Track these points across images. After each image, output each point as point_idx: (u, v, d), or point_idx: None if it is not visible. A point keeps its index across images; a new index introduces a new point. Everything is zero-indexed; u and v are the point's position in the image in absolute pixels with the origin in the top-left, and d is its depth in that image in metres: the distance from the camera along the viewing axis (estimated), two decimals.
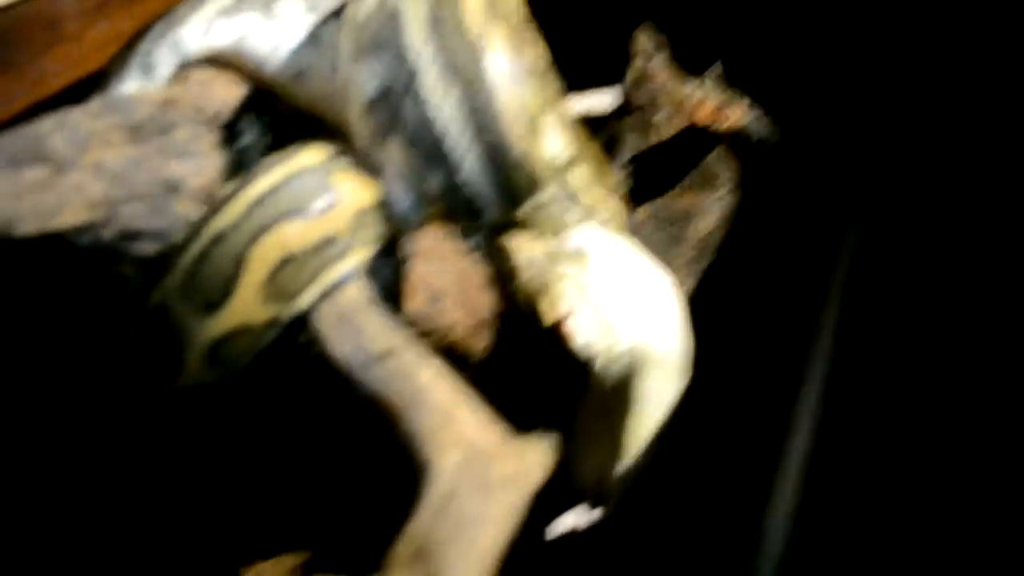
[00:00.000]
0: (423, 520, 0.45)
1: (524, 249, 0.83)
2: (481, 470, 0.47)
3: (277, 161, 0.56)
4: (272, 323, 0.55)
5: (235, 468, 0.62)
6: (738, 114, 0.98)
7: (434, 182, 0.58)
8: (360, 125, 0.58)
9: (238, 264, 0.53)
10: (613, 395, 0.81)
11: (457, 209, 0.61)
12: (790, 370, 1.11)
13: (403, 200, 0.59)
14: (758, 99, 1.17)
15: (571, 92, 1.13)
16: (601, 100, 1.12)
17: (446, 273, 0.80)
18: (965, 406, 0.89)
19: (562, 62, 1.07)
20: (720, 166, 1.11)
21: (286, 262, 0.54)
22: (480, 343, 0.83)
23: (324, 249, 0.55)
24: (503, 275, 0.87)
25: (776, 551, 0.94)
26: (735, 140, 1.14)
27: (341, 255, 0.56)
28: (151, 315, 0.54)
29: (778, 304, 1.15)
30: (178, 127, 0.57)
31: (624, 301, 0.83)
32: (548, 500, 0.90)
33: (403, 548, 0.44)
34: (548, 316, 0.82)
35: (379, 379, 0.51)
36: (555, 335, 0.82)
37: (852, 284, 1.18)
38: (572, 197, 0.84)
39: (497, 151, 0.59)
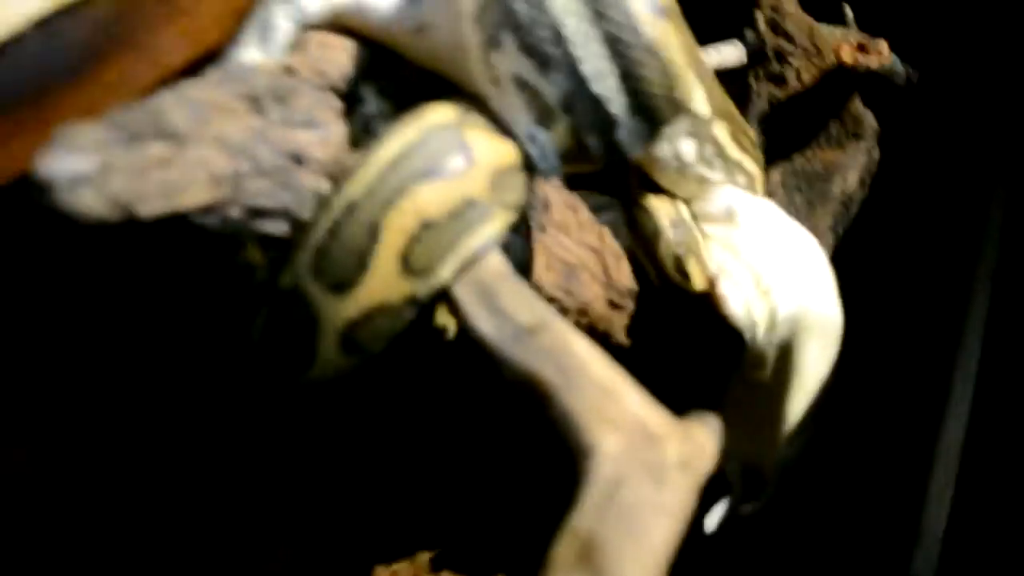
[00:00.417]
0: (587, 513, 0.40)
1: (667, 210, 0.77)
2: (651, 454, 0.41)
3: (407, 122, 0.51)
4: (411, 300, 0.51)
5: (373, 460, 0.59)
6: (884, 51, 0.89)
7: (553, 90, 0.51)
8: (476, 60, 0.52)
9: (373, 234, 0.48)
10: (771, 367, 0.75)
11: (584, 127, 0.53)
12: (942, 348, 1.02)
13: (522, 122, 0.52)
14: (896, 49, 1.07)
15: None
16: (731, 52, 1.04)
17: (581, 246, 0.75)
18: None
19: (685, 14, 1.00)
20: (864, 114, 1.02)
21: (425, 229, 0.49)
22: (622, 320, 0.78)
23: (463, 213, 0.50)
24: (644, 242, 0.81)
25: (934, 541, 0.87)
26: (879, 85, 1.05)
27: (481, 220, 0.51)
28: (281, 300, 0.51)
29: (927, 272, 1.07)
30: (299, 95, 0.54)
31: (779, 264, 0.76)
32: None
33: (566, 546, 0.39)
34: (698, 280, 0.76)
35: (530, 356, 0.46)
36: (705, 303, 0.76)
37: (1005, 246, 1.08)
38: (716, 154, 0.78)
39: (624, 40, 0.51)
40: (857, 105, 1.01)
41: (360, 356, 0.52)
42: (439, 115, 0.52)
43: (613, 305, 0.74)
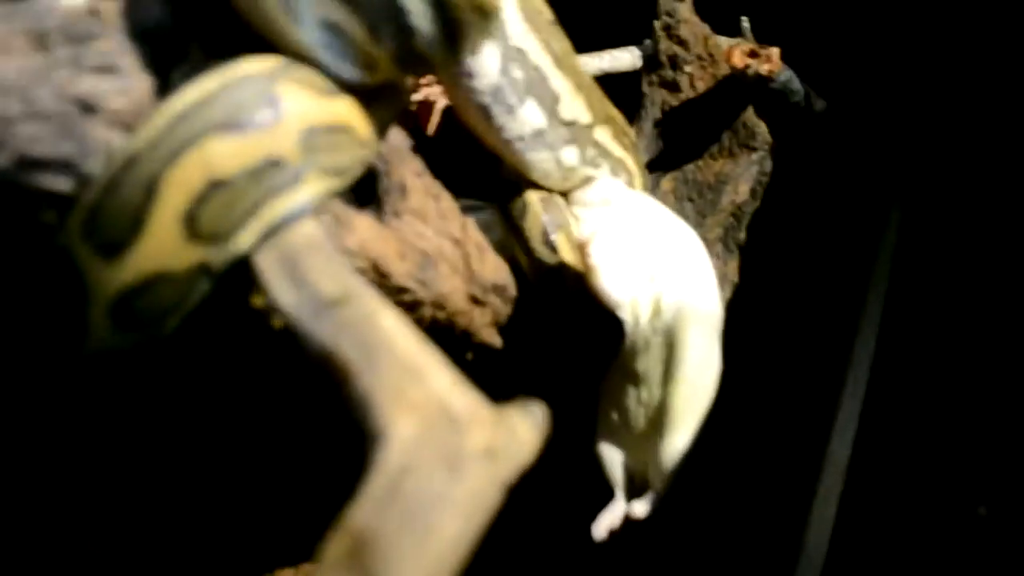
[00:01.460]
0: (365, 505, 0.34)
1: (539, 194, 0.76)
2: (449, 441, 0.36)
3: (212, 72, 0.45)
4: (200, 270, 0.44)
5: (162, 447, 0.52)
6: (774, 58, 0.87)
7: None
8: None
9: (150, 190, 0.42)
10: (654, 357, 0.71)
11: (383, 31, 0.48)
12: (834, 358, 1.01)
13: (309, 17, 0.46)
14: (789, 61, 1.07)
15: (591, 51, 1.04)
16: (622, 57, 1.02)
17: (441, 235, 0.69)
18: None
19: (581, 20, 0.98)
20: (757, 125, 1.00)
21: (214, 188, 0.43)
22: (485, 317, 0.73)
23: (266, 175, 0.44)
24: (514, 227, 0.78)
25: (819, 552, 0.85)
26: (772, 97, 1.03)
27: (290, 184, 0.45)
28: (53, 263, 0.44)
29: (819, 287, 1.06)
30: (99, 38, 0.47)
31: (660, 252, 0.74)
32: (572, 496, 0.83)
33: (337, 542, 0.33)
34: (566, 252, 0.74)
35: (330, 330, 0.40)
36: (580, 289, 0.73)
37: (898, 264, 1.08)
38: (600, 155, 0.78)
39: None
40: (751, 116, 0.99)
41: (140, 332, 0.45)
42: (252, 66, 0.46)
43: (475, 300, 0.69)
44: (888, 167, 1.16)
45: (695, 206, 1.02)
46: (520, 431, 0.39)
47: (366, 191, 0.66)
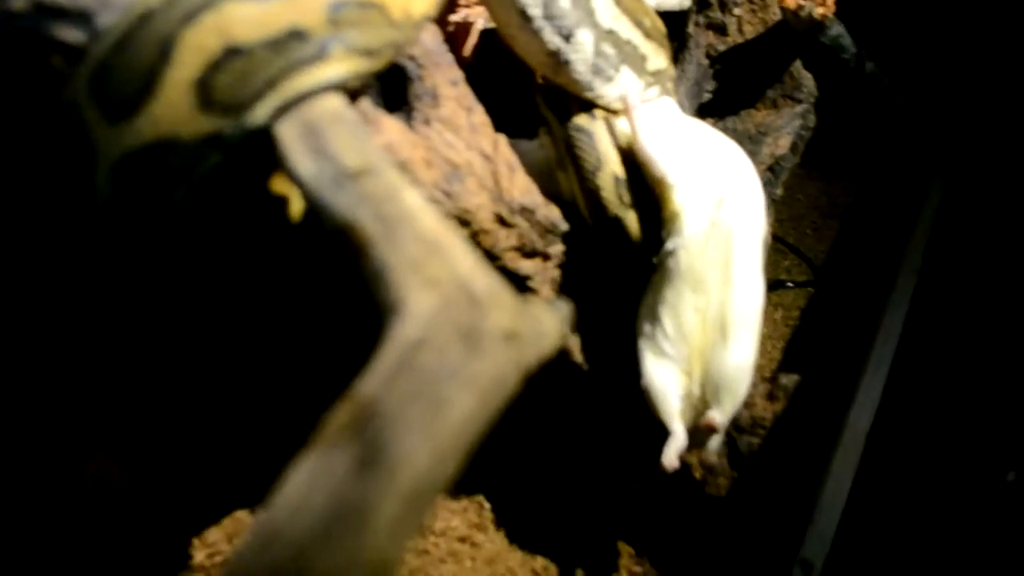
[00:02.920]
0: (377, 375, 0.32)
1: (607, 121, 0.76)
2: (469, 318, 0.33)
3: None
4: (211, 140, 0.41)
5: (167, 325, 0.50)
6: (830, 2, 0.83)
7: None
8: None
9: (165, 51, 0.39)
10: (708, 260, 0.71)
11: None
12: (864, 323, 0.98)
13: None
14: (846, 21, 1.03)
15: None
16: None
17: (471, 149, 0.67)
18: None
19: None
20: (804, 77, 0.96)
21: (231, 55, 0.40)
22: (510, 239, 0.70)
23: (289, 46, 0.41)
24: (576, 163, 0.76)
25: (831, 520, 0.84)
26: (822, 52, 0.99)
27: (313, 59, 0.42)
28: (59, 118, 0.41)
29: (853, 257, 1.03)
30: None
31: (716, 160, 0.75)
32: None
33: (342, 411, 0.31)
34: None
35: (349, 201, 0.38)
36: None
37: (935, 236, 1.05)
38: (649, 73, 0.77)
39: None
40: (798, 67, 0.95)
41: (145, 197, 0.42)
42: None
43: (501, 220, 0.66)
44: (934, 139, 1.12)
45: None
46: (544, 320, 0.36)
47: (397, 95, 0.64)
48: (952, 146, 1.09)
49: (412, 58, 0.62)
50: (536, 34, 0.68)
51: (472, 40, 0.86)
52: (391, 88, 0.64)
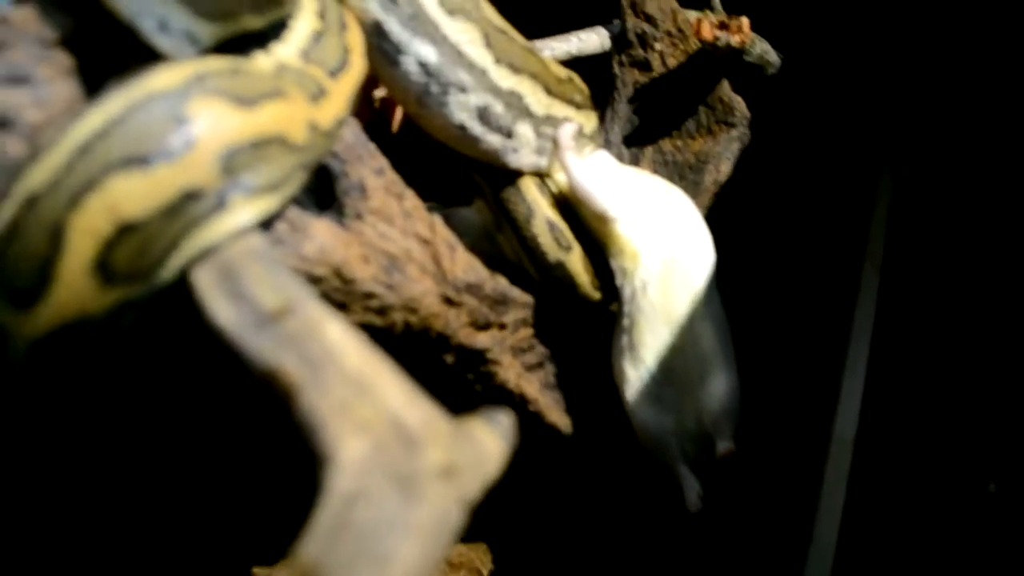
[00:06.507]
0: (316, 536, 0.31)
1: (538, 185, 0.78)
2: (403, 461, 0.33)
3: (121, 88, 0.40)
4: (124, 307, 0.40)
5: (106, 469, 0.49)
6: (745, 28, 0.83)
7: None
8: None
9: (56, 239, 0.38)
10: (676, 298, 0.72)
11: None
12: (833, 335, 0.98)
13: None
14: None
15: (558, 33, 1.01)
16: (590, 39, 0.98)
17: (407, 236, 0.66)
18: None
19: (547, 2, 0.94)
20: (734, 100, 0.96)
21: (125, 232, 0.38)
22: (461, 318, 0.70)
23: (184, 209, 0.40)
24: (513, 226, 0.76)
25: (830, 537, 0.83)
26: (746, 70, 1.00)
27: (212, 213, 0.41)
28: None
29: (813, 265, 1.03)
30: (12, 48, 0.44)
31: (655, 202, 0.77)
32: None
33: None
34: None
35: (273, 346, 0.37)
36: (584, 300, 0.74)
37: (893, 233, 1.05)
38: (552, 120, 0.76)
39: None
40: (726, 90, 0.96)
41: (62, 368, 0.41)
42: (161, 79, 0.40)
43: (448, 301, 0.66)
44: (876, 135, 1.13)
45: (680, 186, 0.99)
46: (484, 443, 0.35)
47: (325, 193, 0.63)
48: (898, 138, 1.09)
49: (334, 155, 0.61)
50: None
51: (399, 114, 0.86)
52: (320, 187, 0.63)
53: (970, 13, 0.94)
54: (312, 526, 0.31)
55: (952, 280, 0.99)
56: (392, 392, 0.35)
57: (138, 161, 0.38)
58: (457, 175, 0.81)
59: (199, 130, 0.40)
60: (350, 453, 0.33)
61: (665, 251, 0.74)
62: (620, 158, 0.91)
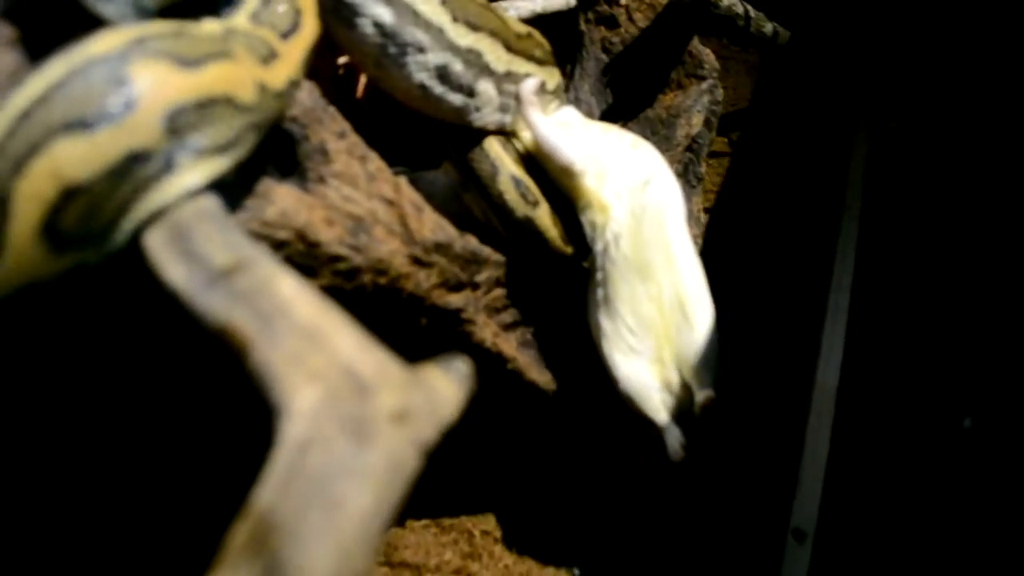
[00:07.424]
0: (270, 484, 0.31)
1: (502, 143, 0.77)
2: (355, 407, 0.33)
3: (61, 54, 0.40)
4: (75, 270, 0.40)
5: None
6: None
7: None
8: None
9: (2, 206, 0.38)
10: (650, 248, 0.72)
11: None
12: (814, 284, 0.99)
13: None
14: None
15: None
16: None
17: (372, 198, 0.66)
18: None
19: None
20: (704, 53, 0.96)
21: (71, 196, 0.38)
22: (431, 278, 0.69)
23: (130, 170, 0.39)
24: (479, 186, 0.76)
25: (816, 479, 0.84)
26: (715, 25, 0.99)
27: (161, 175, 0.41)
28: None
29: (793, 219, 1.03)
30: None
31: (624, 153, 0.76)
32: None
33: (241, 527, 0.30)
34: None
35: (224, 301, 0.37)
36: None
37: (870, 184, 1.06)
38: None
39: None
40: (696, 45, 0.96)
41: (21, 327, 0.41)
42: (101, 44, 0.40)
43: (417, 261, 0.65)
44: (852, 91, 1.13)
45: (652, 142, 0.98)
46: (439, 388, 0.36)
47: (287, 159, 0.63)
48: (873, 94, 1.09)
49: (294, 119, 0.61)
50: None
51: (363, 79, 0.85)
52: (282, 152, 0.63)
53: None
54: (266, 475, 0.31)
55: (928, 229, 0.99)
56: (345, 341, 0.35)
57: (80, 124, 0.38)
58: (424, 139, 0.81)
59: (140, 91, 0.39)
60: (303, 402, 0.33)
61: (635, 203, 0.73)
62: (590, 115, 0.91)
